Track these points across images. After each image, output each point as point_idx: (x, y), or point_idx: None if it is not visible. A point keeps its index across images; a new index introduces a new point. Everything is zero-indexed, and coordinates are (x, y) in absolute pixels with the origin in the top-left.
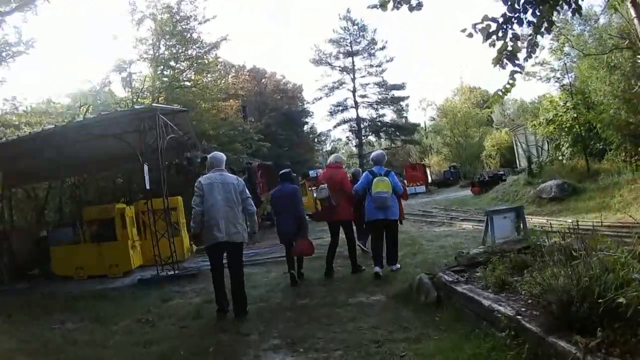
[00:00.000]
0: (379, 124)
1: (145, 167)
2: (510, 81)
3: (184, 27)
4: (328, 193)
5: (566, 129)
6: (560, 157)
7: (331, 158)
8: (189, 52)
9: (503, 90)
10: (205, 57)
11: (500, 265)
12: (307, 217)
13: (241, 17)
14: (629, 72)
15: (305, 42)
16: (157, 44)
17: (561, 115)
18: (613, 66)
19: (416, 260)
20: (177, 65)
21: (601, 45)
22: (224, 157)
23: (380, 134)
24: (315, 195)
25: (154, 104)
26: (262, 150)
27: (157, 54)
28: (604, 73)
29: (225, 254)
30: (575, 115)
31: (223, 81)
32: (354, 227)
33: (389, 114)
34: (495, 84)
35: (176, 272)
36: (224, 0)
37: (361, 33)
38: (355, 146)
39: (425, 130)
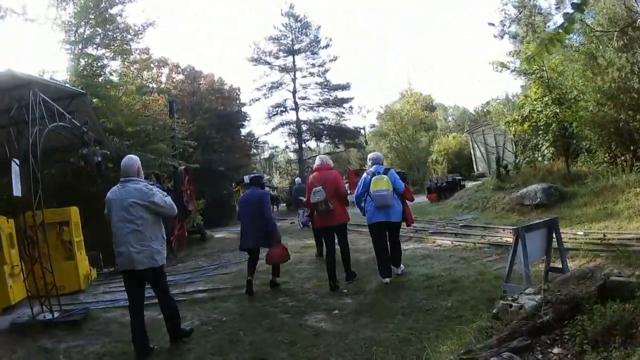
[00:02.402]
0: (321, 127)
1: (14, 166)
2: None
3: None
4: (324, 196)
5: (542, 127)
6: (539, 158)
7: (318, 160)
8: (112, 34)
9: (557, 34)
10: (129, 43)
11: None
12: None
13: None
14: (621, 64)
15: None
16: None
17: (539, 112)
18: (599, 57)
19: (404, 309)
20: (97, 53)
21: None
22: (134, 163)
23: (322, 137)
24: (310, 199)
25: (29, 74)
26: (195, 154)
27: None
28: (580, 66)
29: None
30: (557, 111)
31: (150, 73)
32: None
33: (331, 117)
34: (441, 90)
35: (54, 316)
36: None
37: (304, 30)
38: (294, 151)
39: (365, 137)
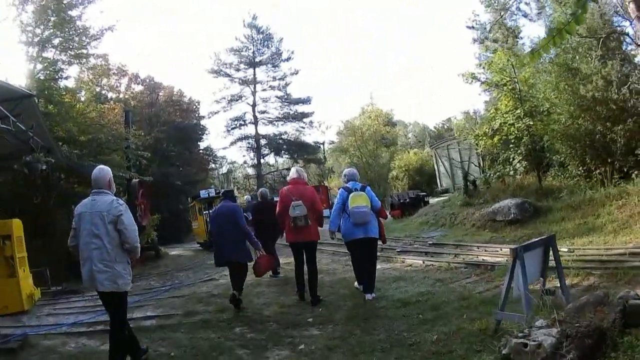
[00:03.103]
0: (280, 141)
1: None
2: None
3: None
4: (305, 211)
5: (514, 141)
6: (511, 172)
7: (294, 172)
8: (70, 36)
9: (567, 24)
10: (86, 47)
11: None
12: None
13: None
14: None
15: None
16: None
17: (510, 125)
18: (574, 69)
19: (382, 343)
20: (55, 57)
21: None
22: (105, 174)
23: (281, 152)
24: (290, 213)
25: None
26: (151, 167)
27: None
28: (554, 78)
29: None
30: (530, 123)
31: (108, 81)
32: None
33: (291, 131)
34: (401, 107)
35: None
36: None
37: (266, 42)
38: (253, 166)
39: (324, 152)
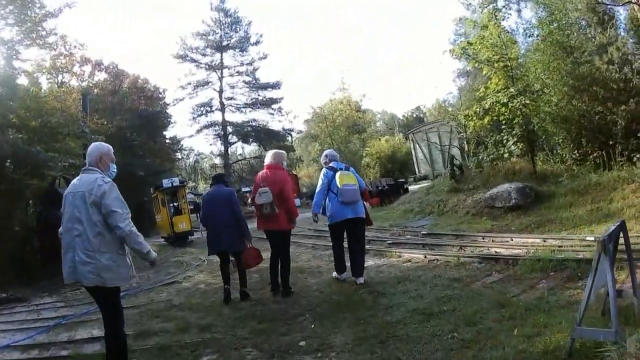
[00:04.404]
0: (248, 129)
1: None
2: None
3: None
4: (271, 198)
5: (505, 122)
6: (506, 155)
7: (269, 156)
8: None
9: None
10: (41, 24)
11: None
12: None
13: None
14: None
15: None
16: None
17: (503, 104)
18: (569, 46)
19: None
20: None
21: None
22: (96, 149)
23: (249, 140)
24: (256, 200)
25: None
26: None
27: None
28: (547, 57)
29: None
30: (527, 102)
31: (65, 60)
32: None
33: (259, 118)
34: (369, 96)
35: None
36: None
37: (234, 26)
38: (220, 155)
39: (292, 142)
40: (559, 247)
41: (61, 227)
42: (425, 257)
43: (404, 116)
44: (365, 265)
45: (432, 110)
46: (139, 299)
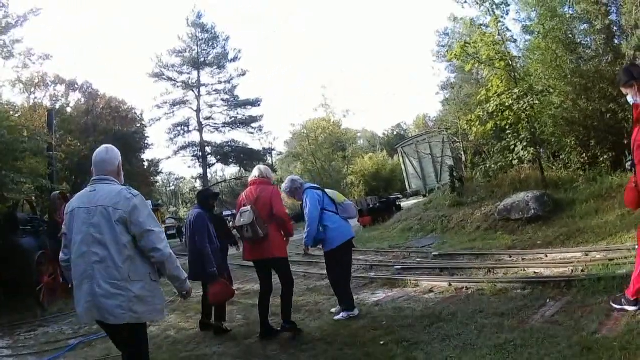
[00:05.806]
0: (227, 149)
1: None
2: None
3: None
4: (252, 218)
5: (510, 126)
6: (515, 162)
7: (255, 170)
8: None
9: None
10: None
11: None
12: None
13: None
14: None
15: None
16: None
17: (507, 107)
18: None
19: None
20: None
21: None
22: (112, 157)
23: (229, 161)
24: (236, 222)
25: None
26: (87, 180)
27: None
28: (548, 55)
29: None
30: (536, 102)
31: (30, 74)
32: None
33: (238, 137)
34: (356, 112)
35: None
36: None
37: (211, 42)
38: (198, 177)
39: (273, 163)
40: (610, 260)
41: (63, 253)
42: (450, 285)
43: (384, 134)
44: (376, 299)
45: (413, 127)
46: (94, 351)
